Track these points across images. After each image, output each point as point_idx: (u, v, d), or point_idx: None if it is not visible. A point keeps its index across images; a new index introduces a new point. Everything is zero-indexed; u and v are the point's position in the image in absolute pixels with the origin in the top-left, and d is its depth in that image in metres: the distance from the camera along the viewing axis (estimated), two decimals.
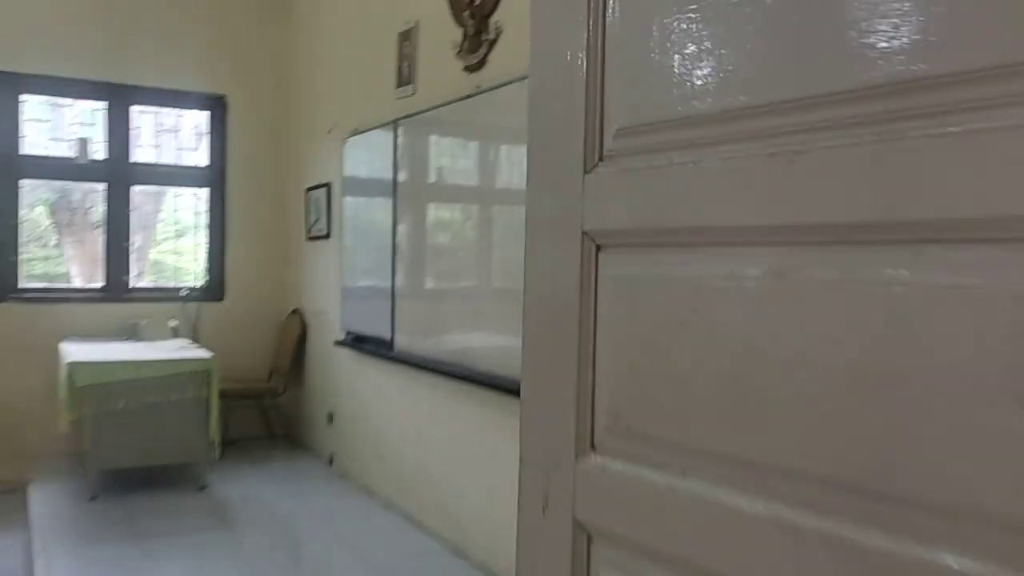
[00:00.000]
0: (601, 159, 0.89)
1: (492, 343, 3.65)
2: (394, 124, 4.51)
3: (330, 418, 5.63)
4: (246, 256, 6.31)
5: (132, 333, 5.72)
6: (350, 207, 5.18)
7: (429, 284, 4.24)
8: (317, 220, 5.86)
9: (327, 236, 5.69)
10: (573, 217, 0.91)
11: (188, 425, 4.91)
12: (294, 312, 6.25)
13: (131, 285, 6.03)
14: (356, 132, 5.07)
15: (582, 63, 0.91)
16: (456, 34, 4.01)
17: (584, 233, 0.90)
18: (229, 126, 6.24)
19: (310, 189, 5.97)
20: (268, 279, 6.41)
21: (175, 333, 5.82)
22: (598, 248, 0.89)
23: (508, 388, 3.50)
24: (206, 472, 5.04)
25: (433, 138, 4.19)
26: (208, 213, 6.28)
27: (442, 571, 3.88)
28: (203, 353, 5.08)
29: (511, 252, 3.51)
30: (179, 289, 6.17)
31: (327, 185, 5.67)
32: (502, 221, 3.60)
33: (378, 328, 4.70)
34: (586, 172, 0.90)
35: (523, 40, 3.49)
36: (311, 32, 6.01)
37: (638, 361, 0.84)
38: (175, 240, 6.39)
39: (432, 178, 4.20)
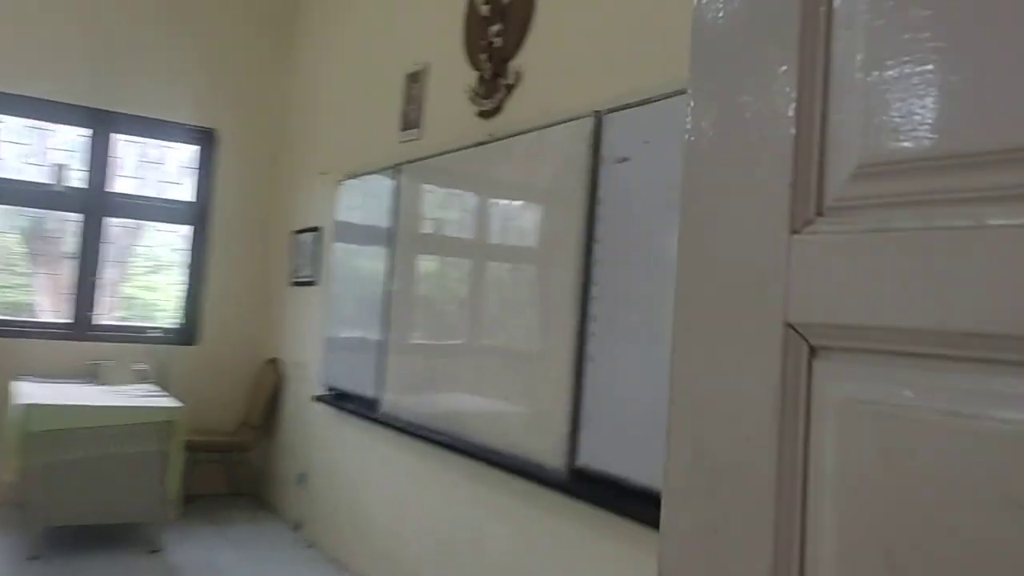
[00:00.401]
0: (821, 213, 0.58)
1: (491, 410, 3.31)
2: (396, 169, 4.22)
3: (301, 480, 5.20)
4: (224, 298, 5.94)
5: (93, 375, 5.31)
6: (341, 253, 4.85)
7: (424, 341, 3.89)
8: (303, 265, 5.51)
9: (313, 283, 5.34)
10: (767, 301, 0.59)
11: (146, 481, 4.48)
12: (271, 361, 5.86)
13: (97, 322, 5.62)
14: (353, 175, 4.76)
15: (792, 68, 0.60)
16: (470, 77, 3.75)
17: (788, 326, 0.58)
18: (217, 162, 5.92)
19: (298, 232, 5.64)
20: (246, 324, 6.03)
21: (140, 377, 5.41)
22: (812, 351, 0.57)
23: (507, 466, 3.15)
24: (161, 533, 4.59)
25: (438, 186, 3.89)
26: (188, 251, 5.91)
27: None
28: (169, 402, 4.68)
29: (518, 312, 3.19)
30: (149, 329, 5.78)
31: (317, 229, 5.35)
32: (510, 278, 3.29)
33: (363, 386, 4.33)
34: (794, 232, 0.59)
35: (545, 87, 3.24)
36: (311, 69, 5.76)
37: (897, 550, 0.51)
38: (150, 276, 6.00)
39: (434, 228, 3.89)
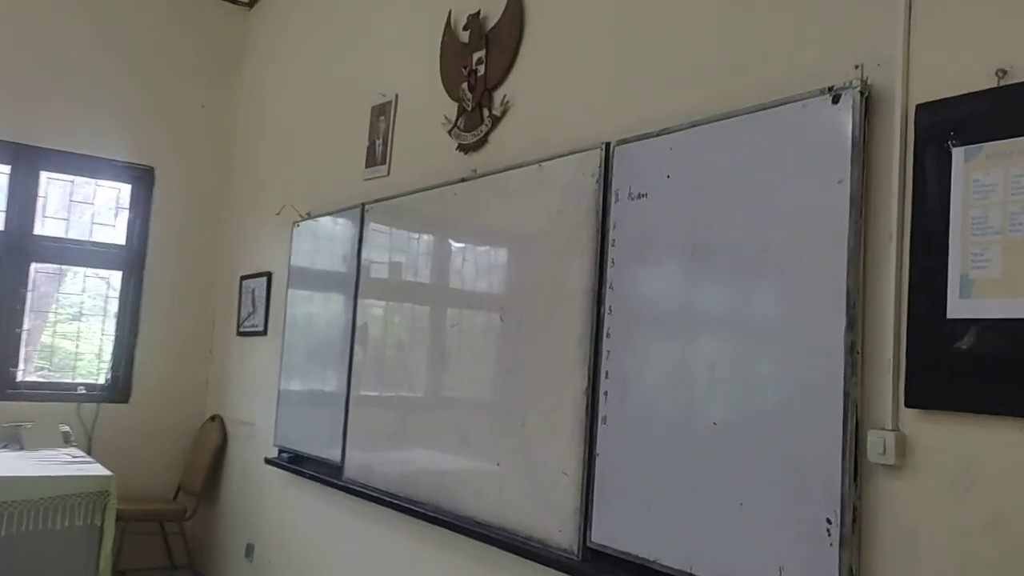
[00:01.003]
0: None
1: (480, 476, 2.93)
2: (361, 208, 3.86)
3: (249, 551, 4.70)
4: (161, 351, 5.42)
5: (13, 438, 4.74)
6: (296, 300, 4.42)
7: (397, 396, 3.50)
8: (252, 313, 5.07)
9: (263, 332, 4.89)
10: None
11: (75, 559, 3.93)
12: (213, 419, 5.36)
13: (19, 379, 5.06)
14: (310, 216, 4.38)
15: None
16: (448, 108, 3.43)
17: None
18: (155, 202, 5.45)
19: (246, 278, 5.20)
20: (185, 379, 5.52)
21: (66, 440, 4.85)
22: None
23: (502, 542, 2.78)
24: None
25: (412, 227, 3.54)
26: (119, 299, 5.40)
27: None
28: (100, 470, 4.15)
29: (515, 367, 2.85)
30: (76, 386, 5.23)
31: (267, 274, 4.92)
32: (502, 328, 2.94)
33: (323, 446, 3.91)
34: None
35: (539, 117, 2.89)
36: (260, 103, 5.36)
37: None
38: (75, 326, 5.45)
39: (409, 273, 3.53)
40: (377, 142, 3.96)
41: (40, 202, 5.17)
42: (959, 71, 1.75)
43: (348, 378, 3.79)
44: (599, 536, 2.43)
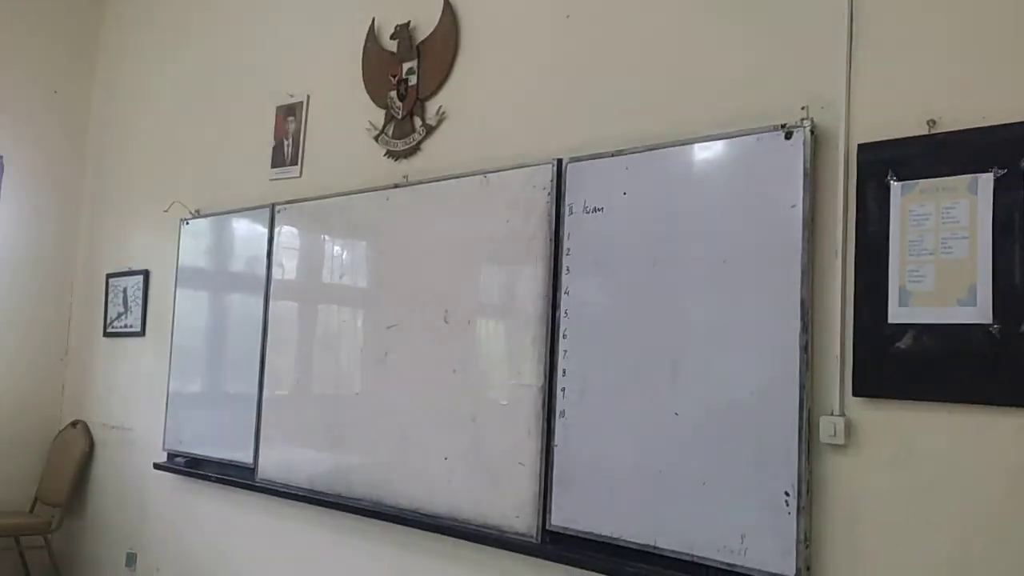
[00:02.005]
0: None
1: (421, 468, 3.07)
2: (271, 208, 3.84)
3: (130, 560, 4.53)
4: (9, 353, 5.05)
5: None
6: (188, 300, 4.31)
7: (322, 396, 3.55)
8: (124, 313, 4.84)
9: (140, 333, 4.70)
10: None
11: None
12: (74, 425, 5.07)
13: None
14: (200, 214, 4.28)
15: None
16: (374, 114, 3.52)
17: None
18: (3, 191, 5.05)
19: (113, 276, 4.95)
20: (38, 383, 5.17)
21: None
22: None
23: (454, 531, 2.95)
24: None
25: (335, 229, 3.58)
26: None
27: None
28: None
29: (464, 365, 3.01)
30: None
31: (144, 272, 4.73)
32: (442, 329, 3.09)
33: (231, 449, 3.87)
34: None
35: (478, 130, 3.11)
36: (128, 93, 5.11)
37: None
38: None
39: (333, 274, 3.58)
40: (286, 142, 3.95)
41: None
42: (895, 117, 2.13)
43: (260, 379, 3.78)
44: (559, 520, 2.66)
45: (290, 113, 3.96)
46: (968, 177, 2.00)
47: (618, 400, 2.56)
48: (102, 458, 4.88)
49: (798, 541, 2.15)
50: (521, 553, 2.76)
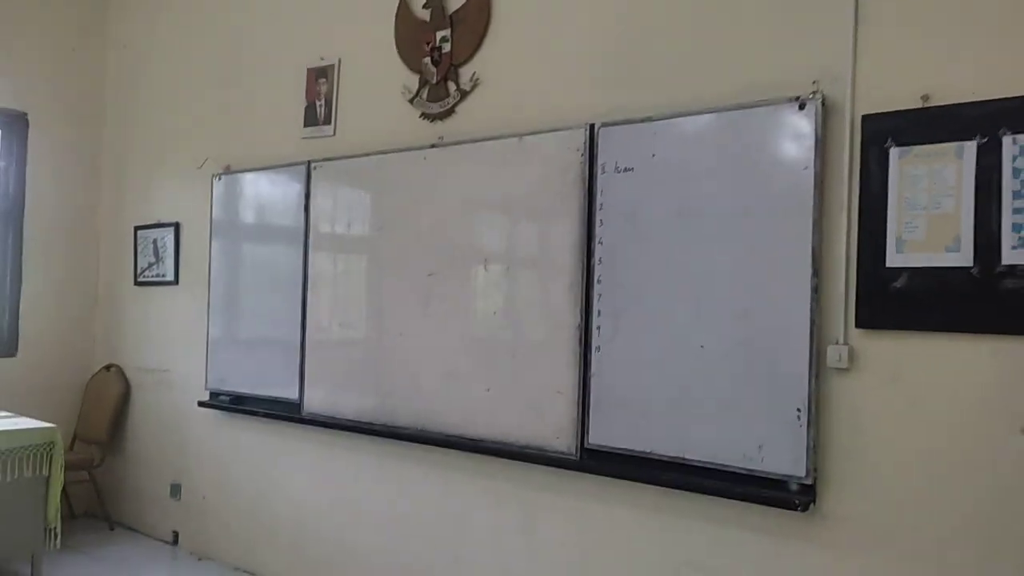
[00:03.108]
0: None
1: (464, 399, 3.47)
2: (307, 165, 4.14)
3: (175, 491, 4.91)
4: (45, 303, 5.32)
5: None
6: (224, 251, 4.61)
7: (363, 339, 3.90)
8: (155, 263, 5.13)
9: (174, 282, 5.00)
10: None
11: (26, 510, 4.02)
12: (108, 368, 5.38)
13: None
14: (230, 170, 4.56)
15: None
16: (408, 79, 3.82)
17: None
18: (30, 149, 5.26)
19: (142, 228, 5.22)
20: (71, 330, 5.46)
21: None
22: None
23: (490, 449, 3.36)
24: (38, 565, 4.13)
25: (374, 185, 3.90)
26: None
27: None
28: (41, 423, 4.20)
29: (508, 308, 3.39)
30: None
31: (175, 224, 5.00)
32: (481, 276, 3.46)
33: (276, 388, 4.23)
34: None
35: (511, 94, 3.44)
36: (149, 53, 5.30)
37: None
38: None
39: (371, 227, 3.90)
40: (318, 103, 4.23)
41: None
42: (894, 92, 2.51)
43: (303, 323, 4.12)
44: (596, 439, 3.08)
45: (322, 75, 4.23)
46: (955, 144, 2.40)
47: (648, 336, 2.96)
48: (139, 399, 5.22)
49: (808, 448, 2.59)
50: (562, 468, 3.18)
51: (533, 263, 3.31)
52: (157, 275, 5.12)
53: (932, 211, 2.43)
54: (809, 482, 2.60)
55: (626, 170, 3.05)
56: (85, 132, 5.50)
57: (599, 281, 3.10)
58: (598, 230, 3.11)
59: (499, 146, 3.42)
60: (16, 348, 5.21)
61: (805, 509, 2.61)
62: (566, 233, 3.19)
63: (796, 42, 2.73)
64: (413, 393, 3.67)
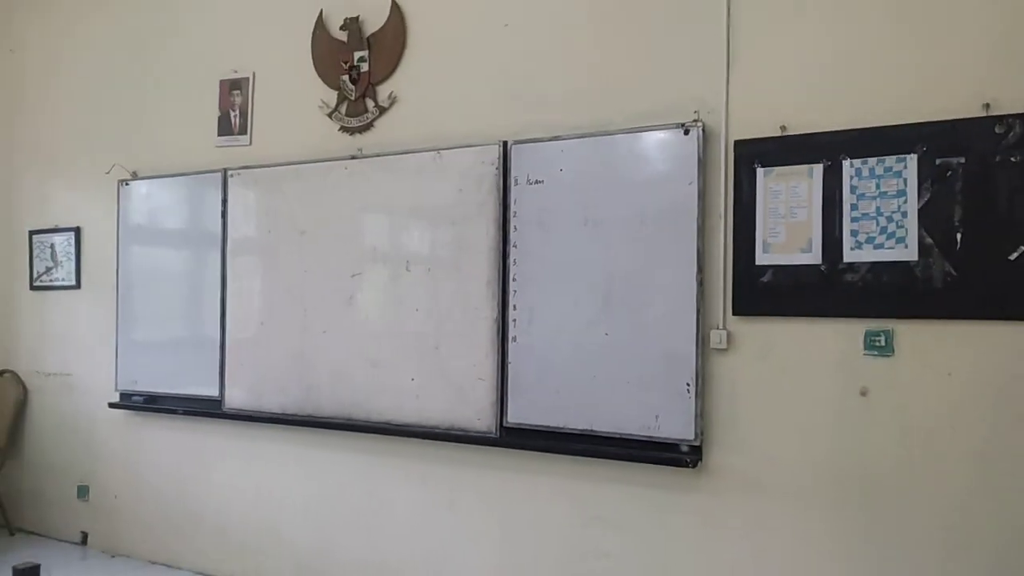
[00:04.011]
0: None
1: (390, 388, 3.83)
2: (224, 173, 4.36)
3: (82, 492, 4.97)
4: None
5: None
6: (134, 255, 4.73)
7: (285, 336, 4.17)
8: (53, 267, 5.15)
9: (76, 286, 5.05)
10: None
11: None
12: (1, 374, 5.34)
13: None
14: (137, 176, 4.70)
15: None
16: (324, 93, 4.12)
17: None
18: None
19: (37, 232, 5.23)
20: None
21: None
22: None
23: (416, 433, 3.75)
24: None
25: (293, 192, 4.16)
26: None
27: None
28: None
29: (412, 303, 3.77)
30: None
31: (75, 229, 5.06)
32: (405, 276, 3.83)
33: (194, 386, 4.42)
34: None
35: (428, 112, 3.84)
36: (43, 55, 5.29)
37: None
38: None
39: (290, 231, 4.16)
40: (232, 113, 4.46)
41: None
42: (759, 123, 3.09)
43: (222, 323, 4.34)
44: (514, 418, 3.53)
45: (235, 87, 4.45)
46: (807, 166, 3.00)
47: (560, 326, 3.44)
48: (38, 403, 5.22)
49: (696, 416, 3.14)
50: (484, 445, 3.61)
51: (453, 264, 3.71)
52: (56, 279, 5.14)
53: (790, 219, 3.03)
54: (697, 443, 3.15)
55: (537, 182, 3.51)
56: None
57: (514, 279, 3.54)
58: (512, 235, 3.55)
59: (419, 159, 3.80)
60: None
61: (695, 466, 3.15)
62: (483, 237, 3.61)
63: (681, 78, 3.26)
64: (339, 385, 3.99)
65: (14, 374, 5.31)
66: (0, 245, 5.43)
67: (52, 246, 5.16)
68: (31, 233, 5.26)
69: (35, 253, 5.24)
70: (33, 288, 5.25)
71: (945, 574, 2.78)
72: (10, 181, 5.42)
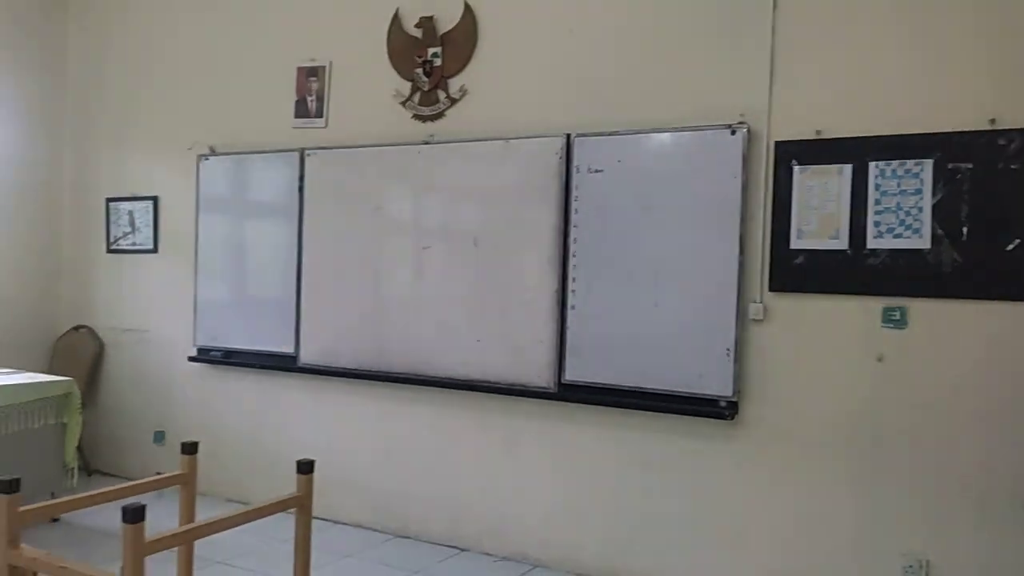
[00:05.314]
0: None
1: (457, 348, 4.35)
2: (301, 152, 4.82)
3: (158, 437, 5.48)
4: (15, 268, 5.67)
5: None
6: (212, 223, 5.20)
7: (359, 300, 4.66)
8: (130, 232, 5.61)
9: (153, 250, 5.52)
10: None
11: (48, 453, 4.56)
12: (77, 329, 5.81)
13: None
14: (214, 152, 5.15)
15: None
16: (398, 84, 4.59)
17: None
18: None
19: (113, 200, 5.68)
20: (37, 295, 5.83)
21: None
22: None
23: (479, 387, 4.27)
24: None
25: (367, 172, 4.63)
26: None
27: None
28: (61, 377, 4.72)
29: (480, 274, 4.27)
30: None
31: (152, 198, 5.51)
32: (472, 250, 4.32)
33: (270, 343, 4.92)
34: None
35: (496, 104, 4.33)
36: (116, 34, 5.71)
37: None
38: None
39: (364, 207, 4.64)
40: (309, 98, 4.92)
41: None
42: (797, 126, 3.60)
43: (298, 286, 4.83)
44: (571, 376, 4.06)
45: (312, 74, 4.91)
46: (837, 166, 3.52)
47: (614, 297, 3.96)
48: (115, 356, 5.71)
49: (734, 376, 3.68)
50: (542, 399, 4.14)
51: (518, 241, 4.21)
52: (133, 244, 5.61)
53: (821, 211, 3.55)
54: (735, 399, 3.70)
55: (597, 171, 4.01)
56: (47, 106, 5.84)
57: (574, 255, 4.06)
58: (573, 217, 4.06)
59: (487, 146, 4.29)
60: None
61: (732, 418, 3.71)
62: (546, 218, 4.11)
63: (728, 85, 3.76)
64: (409, 344, 4.50)
65: (90, 329, 5.79)
66: (78, 211, 5.88)
67: (130, 212, 5.62)
68: (108, 200, 5.70)
69: (112, 219, 5.69)
70: (110, 251, 5.71)
71: (938, 510, 3.35)
72: (88, 152, 5.85)
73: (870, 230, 3.46)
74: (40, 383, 4.55)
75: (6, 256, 5.64)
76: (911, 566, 3.39)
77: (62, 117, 5.92)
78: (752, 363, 3.71)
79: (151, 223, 5.54)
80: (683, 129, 3.81)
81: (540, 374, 4.14)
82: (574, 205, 4.06)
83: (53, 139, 5.88)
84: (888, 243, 3.43)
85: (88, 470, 5.70)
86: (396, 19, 4.63)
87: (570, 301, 4.06)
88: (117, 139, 5.71)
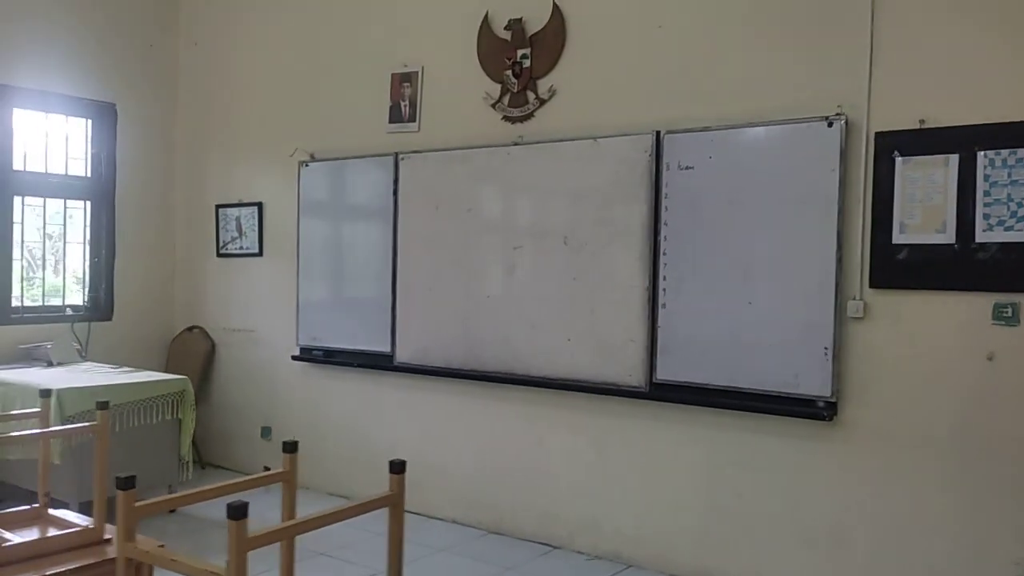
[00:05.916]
0: None
1: (548, 347, 4.37)
2: (395, 156, 4.93)
3: (265, 432, 5.71)
4: (133, 272, 6.02)
5: (33, 357, 5.27)
6: (312, 227, 5.38)
7: (452, 299, 4.74)
8: (237, 237, 5.87)
9: (258, 254, 5.75)
10: None
11: (164, 447, 4.82)
12: (191, 329, 6.12)
13: (14, 305, 5.47)
14: (314, 158, 5.32)
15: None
16: (488, 86, 4.64)
17: None
18: (119, 136, 5.91)
19: (222, 206, 5.95)
20: (156, 296, 6.17)
21: (80, 355, 5.47)
22: None
23: (571, 386, 4.27)
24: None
25: (459, 175, 4.70)
26: (91, 227, 5.87)
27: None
28: (176, 375, 5.00)
29: (570, 273, 4.27)
30: (63, 308, 5.73)
31: (257, 204, 5.75)
32: (562, 249, 4.33)
33: (368, 342, 5.05)
34: None
35: (585, 104, 4.31)
36: (222, 49, 5.98)
37: None
38: (55, 254, 5.85)
39: (458, 209, 4.71)
40: (403, 103, 5.02)
41: (14, 138, 5.45)
42: (899, 117, 3.46)
43: (393, 287, 4.94)
44: (663, 375, 4.02)
45: (405, 80, 5.02)
46: (943, 156, 3.37)
47: (705, 296, 3.89)
48: (225, 355, 5.98)
49: (832, 376, 3.57)
50: (632, 398, 4.12)
51: (608, 239, 4.19)
52: (240, 248, 5.86)
53: (926, 204, 3.40)
54: (833, 400, 3.58)
55: (687, 168, 3.95)
56: (163, 121, 6.17)
57: (664, 253, 4.01)
58: (663, 214, 4.01)
59: (577, 146, 4.29)
60: (112, 313, 5.91)
61: (830, 420, 3.59)
62: (636, 216, 4.08)
63: (824, 76, 3.65)
64: (500, 343, 4.54)
65: (202, 329, 6.08)
66: (190, 218, 6.19)
67: (237, 218, 5.87)
68: (217, 207, 5.98)
69: (221, 225, 5.96)
70: (219, 255, 5.99)
71: None
72: (198, 162, 6.15)
73: (979, 223, 3.29)
74: (157, 381, 4.81)
75: (130, 262, 5.99)
76: None
77: (174, 129, 6.24)
78: (852, 363, 3.58)
79: (256, 228, 5.77)
80: (777, 122, 3.72)
81: (631, 373, 4.11)
82: (664, 203, 4.01)
83: (168, 151, 6.21)
84: (999, 236, 3.25)
85: (202, 463, 5.99)
86: (486, 22, 4.68)
87: (661, 299, 4.02)
88: (224, 149, 5.98)
